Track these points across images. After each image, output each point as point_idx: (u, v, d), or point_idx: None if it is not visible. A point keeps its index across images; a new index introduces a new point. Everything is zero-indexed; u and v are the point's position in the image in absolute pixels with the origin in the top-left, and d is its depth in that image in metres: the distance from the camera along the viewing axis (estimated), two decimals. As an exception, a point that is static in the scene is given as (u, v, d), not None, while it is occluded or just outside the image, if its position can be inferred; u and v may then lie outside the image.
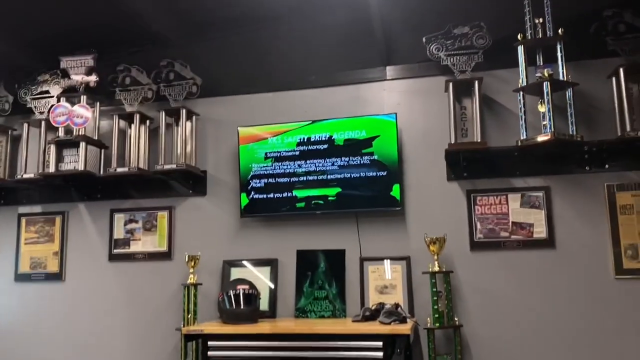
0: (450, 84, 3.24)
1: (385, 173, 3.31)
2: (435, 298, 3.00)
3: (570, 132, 3.02)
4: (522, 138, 3.07)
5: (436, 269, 3.05)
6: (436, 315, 3.00)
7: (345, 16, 3.44)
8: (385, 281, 3.29)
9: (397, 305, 3.01)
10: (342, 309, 3.27)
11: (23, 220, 3.96)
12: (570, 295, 3.09)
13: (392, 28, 3.45)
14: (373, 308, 3.06)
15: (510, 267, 3.18)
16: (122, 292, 3.72)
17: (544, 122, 3.05)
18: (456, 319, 3.08)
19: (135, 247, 3.75)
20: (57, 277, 3.84)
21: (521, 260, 3.17)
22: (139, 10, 3.35)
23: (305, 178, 3.44)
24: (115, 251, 3.78)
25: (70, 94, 3.76)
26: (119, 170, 3.61)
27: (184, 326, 3.28)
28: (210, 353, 2.96)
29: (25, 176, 3.76)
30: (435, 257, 3.07)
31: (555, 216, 3.17)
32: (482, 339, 3.15)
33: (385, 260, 3.32)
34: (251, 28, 3.62)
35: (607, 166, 3.14)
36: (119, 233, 3.79)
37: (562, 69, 3.04)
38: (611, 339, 3.00)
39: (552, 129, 2.96)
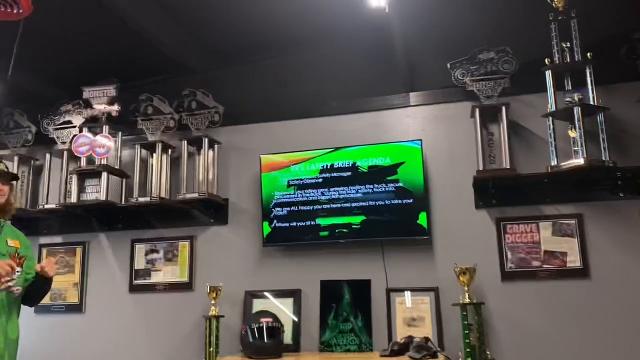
0: (477, 110, 3.18)
1: (411, 200, 3.24)
2: (466, 331, 2.89)
3: (603, 158, 2.94)
4: (552, 164, 2.99)
5: (467, 300, 2.94)
6: (468, 350, 2.88)
7: (367, 42, 3.44)
8: (413, 313, 3.19)
9: (427, 339, 2.91)
10: (368, 343, 3.17)
11: (44, 251, 3.94)
12: (607, 328, 2.95)
13: (415, 54, 3.42)
14: (401, 342, 2.95)
15: (543, 298, 3.06)
16: (143, 324, 3.65)
17: (575, 148, 2.97)
18: (488, 352, 2.96)
19: (156, 278, 3.70)
20: (77, 308, 3.79)
21: (555, 291, 3.06)
22: (160, 40, 3.37)
23: (328, 206, 3.37)
24: (136, 282, 3.73)
25: (93, 123, 3.77)
26: (141, 199, 3.59)
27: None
28: (233, 389, 2.88)
29: (46, 206, 3.76)
30: (466, 287, 2.97)
31: (589, 244, 3.06)
32: (516, 374, 3.02)
33: (406, 292, 3.22)
34: (273, 56, 3.63)
35: (642, 192, 3.04)
36: (139, 263, 3.74)
37: (592, 93, 2.97)
38: (653, 374, 2.86)
39: (585, 155, 2.87)
